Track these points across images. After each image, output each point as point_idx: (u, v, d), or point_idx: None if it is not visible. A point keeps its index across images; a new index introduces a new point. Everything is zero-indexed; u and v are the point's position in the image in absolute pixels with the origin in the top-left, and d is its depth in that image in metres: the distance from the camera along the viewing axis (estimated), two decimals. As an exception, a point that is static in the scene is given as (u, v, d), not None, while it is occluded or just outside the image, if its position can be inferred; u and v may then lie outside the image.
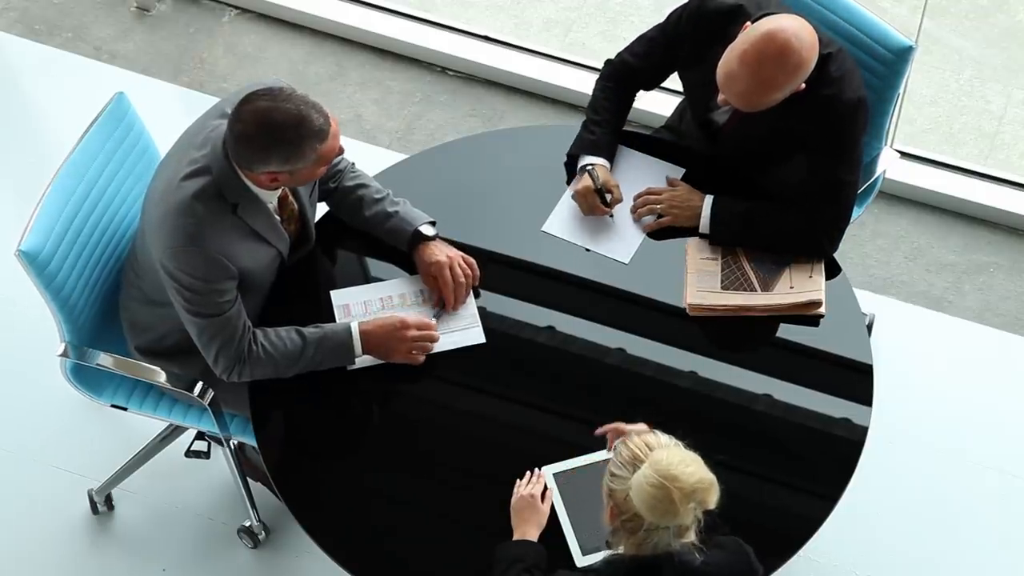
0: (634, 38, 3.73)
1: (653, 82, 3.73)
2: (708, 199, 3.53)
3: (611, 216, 3.58)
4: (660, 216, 3.56)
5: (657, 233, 3.57)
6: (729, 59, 3.33)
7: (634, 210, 3.59)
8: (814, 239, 3.48)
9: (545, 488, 3.17)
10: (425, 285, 3.49)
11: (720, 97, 3.37)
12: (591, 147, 3.61)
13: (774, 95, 3.33)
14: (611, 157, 3.62)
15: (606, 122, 3.64)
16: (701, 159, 3.67)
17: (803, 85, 3.35)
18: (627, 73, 3.70)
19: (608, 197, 3.55)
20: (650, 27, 3.70)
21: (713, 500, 2.73)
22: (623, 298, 3.49)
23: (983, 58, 4.90)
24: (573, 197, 3.58)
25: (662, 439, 2.79)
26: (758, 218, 3.49)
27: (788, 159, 3.54)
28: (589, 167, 3.57)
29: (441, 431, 3.33)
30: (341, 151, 3.30)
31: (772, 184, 3.59)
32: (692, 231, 3.54)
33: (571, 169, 3.63)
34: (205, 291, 3.27)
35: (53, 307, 3.49)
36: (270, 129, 3.16)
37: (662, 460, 2.71)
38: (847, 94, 3.40)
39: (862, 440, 3.27)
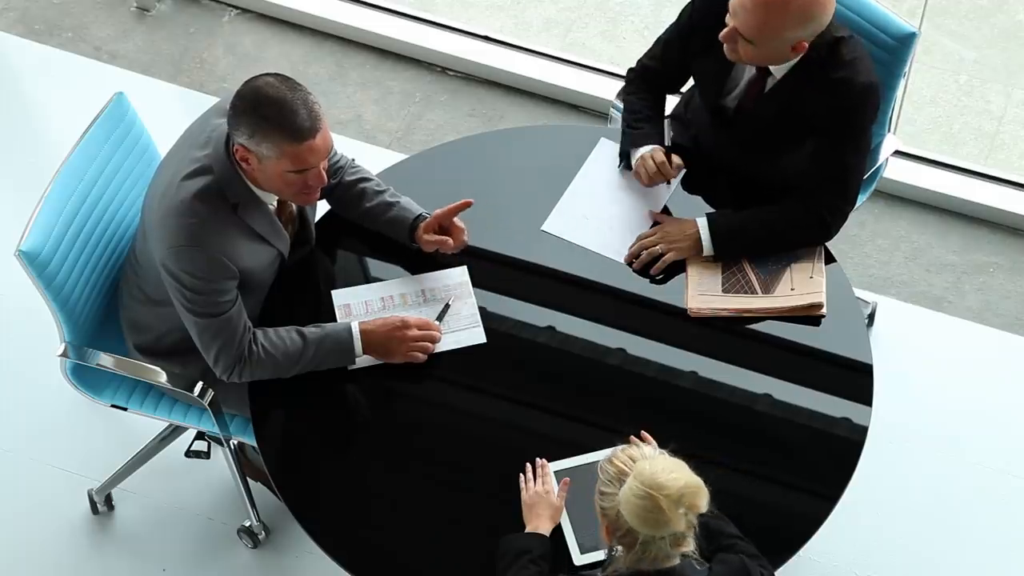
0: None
1: (675, 82, 3.73)
2: (701, 222, 3.50)
3: (673, 180, 3.59)
4: (663, 254, 3.50)
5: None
6: None
7: (634, 259, 3.52)
8: (818, 222, 3.46)
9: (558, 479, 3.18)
10: (429, 248, 3.48)
11: (724, 31, 3.35)
12: (643, 139, 3.61)
13: (780, 29, 3.30)
14: (663, 144, 3.64)
15: (647, 117, 3.65)
16: (700, 155, 3.68)
17: (806, 45, 3.35)
18: (649, 77, 3.71)
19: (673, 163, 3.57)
20: (663, 29, 3.71)
21: (703, 504, 2.72)
22: (623, 298, 3.49)
23: (983, 58, 4.90)
24: (635, 174, 3.58)
25: (645, 451, 2.79)
26: (757, 221, 3.48)
27: (798, 145, 3.52)
28: (648, 151, 3.58)
29: (441, 431, 3.33)
30: (322, 180, 3.26)
31: (780, 172, 3.56)
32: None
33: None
34: (206, 291, 3.27)
35: (53, 307, 3.49)
36: (255, 97, 3.16)
37: (645, 470, 2.71)
38: (860, 78, 3.40)
39: (862, 440, 3.27)
